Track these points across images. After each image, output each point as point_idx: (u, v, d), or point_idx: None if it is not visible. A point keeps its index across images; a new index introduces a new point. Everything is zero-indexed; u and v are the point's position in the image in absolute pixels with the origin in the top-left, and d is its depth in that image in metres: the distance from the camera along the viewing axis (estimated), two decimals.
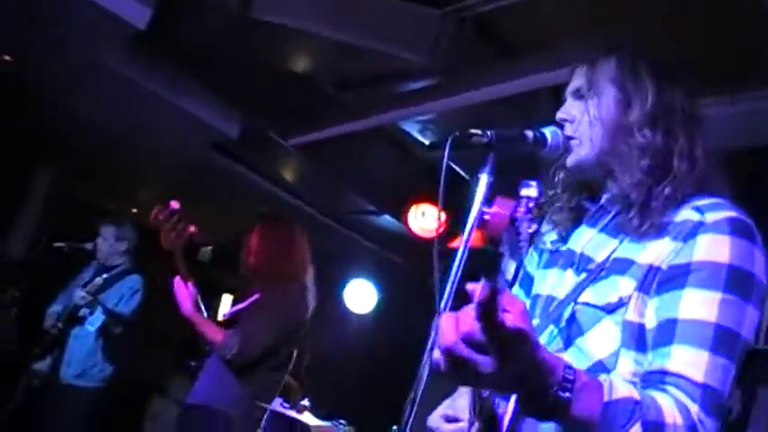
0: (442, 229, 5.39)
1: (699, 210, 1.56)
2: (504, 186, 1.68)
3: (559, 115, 1.80)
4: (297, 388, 6.77)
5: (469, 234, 1.68)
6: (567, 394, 1.26)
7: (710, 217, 1.54)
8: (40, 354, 5.23)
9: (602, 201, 1.76)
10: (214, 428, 4.00)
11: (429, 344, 1.65)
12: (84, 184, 9.29)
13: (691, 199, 1.60)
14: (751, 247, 1.52)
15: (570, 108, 1.80)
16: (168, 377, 8.29)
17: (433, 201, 5.71)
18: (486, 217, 1.27)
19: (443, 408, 1.84)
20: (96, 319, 5.15)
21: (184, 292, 4.03)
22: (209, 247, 10.39)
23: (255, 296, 4.22)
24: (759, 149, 3.51)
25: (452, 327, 1.23)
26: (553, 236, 1.87)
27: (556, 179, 1.85)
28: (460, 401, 1.82)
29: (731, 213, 1.54)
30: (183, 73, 5.05)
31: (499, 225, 1.21)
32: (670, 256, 1.53)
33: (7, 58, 5.52)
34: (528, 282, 1.93)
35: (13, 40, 5.15)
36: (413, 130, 4.84)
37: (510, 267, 1.47)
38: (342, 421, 4.70)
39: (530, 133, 1.75)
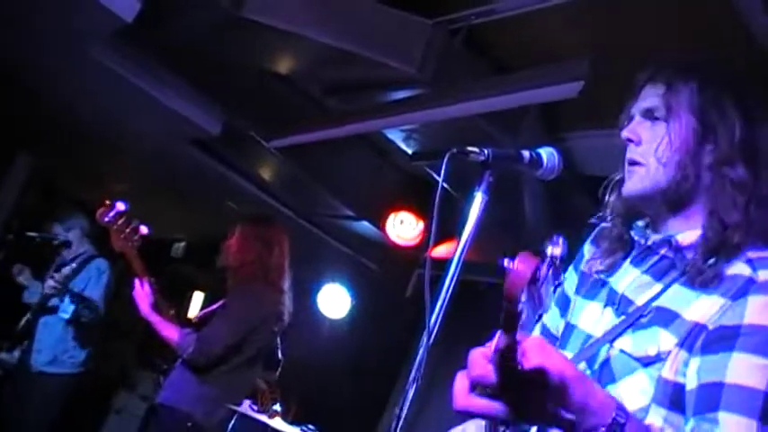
0: (420, 239, 5.41)
1: (751, 264, 1.49)
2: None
3: (626, 134, 1.69)
4: (267, 392, 6.74)
5: (463, 251, 1.68)
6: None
7: (763, 275, 1.46)
8: (10, 346, 5.18)
9: (651, 241, 1.68)
10: (177, 428, 4.00)
11: (416, 362, 1.64)
12: (61, 172, 9.20)
13: (745, 249, 1.52)
14: None
15: (640, 129, 1.68)
16: (135, 373, 8.23)
17: (413, 209, 5.71)
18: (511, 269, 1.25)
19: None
20: (68, 307, 5.11)
21: (141, 292, 4.06)
22: (182, 243, 10.35)
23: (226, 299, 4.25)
24: None
25: (463, 388, 1.25)
26: (597, 265, 1.79)
27: (607, 203, 1.78)
28: (470, 427, 1.81)
29: None
30: (167, 68, 5.00)
31: (519, 283, 1.18)
32: (717, 314, 1.46)
33: None
34: (564, 303, 1.87)
35: None
36: (396, 138, 4.83)
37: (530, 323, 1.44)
38: (311, 427, 4.67)
39: (526, 153, 1.74)
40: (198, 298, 9.73)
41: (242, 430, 5.88)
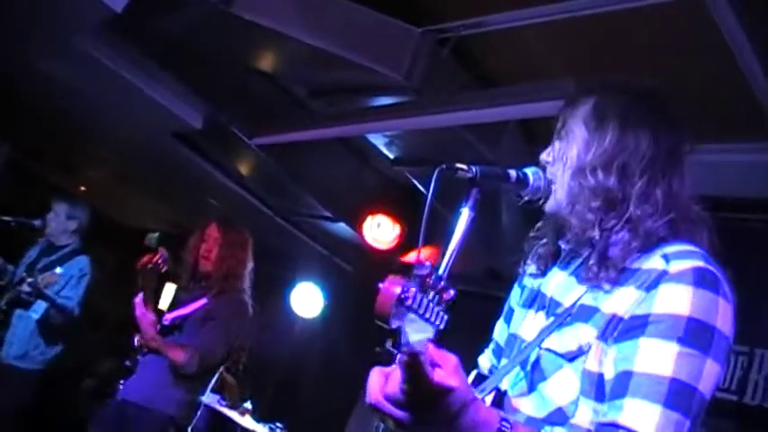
0: (396, 243, 5.42)
1: (665, 258, 1.54)
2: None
3: (541, 157, 1.80)
4: (234, 386, 6.74)
5: (448, 264, 1.70)
6: None
7: (675, 266, 1.51)
8: None
9: (572, 244, 1.75)
10: (156, 429, 4.07)
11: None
12: (36, 157, 9.12)
13: (662, 245, 1.58)
14: (714, 298, 1.48)
15: (550, 150, 1.79)
16: (104, 362, 8.20)
17: (390, 213, 5.74)
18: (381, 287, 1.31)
19: None
20: (40, 307, 5.09)
21: (147, 318, 4.09)
22: (156, 233, 10.28)
23: (203, 301, 4.27)
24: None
25: (378, 384, 1.32)
26: (532, 269, 1.86)
27: (541, 220, 1.85)
28: None
29: (697, 263, 1.51)
30: (153, 60, 5.00)
31: (386, 303, 1.25)
32: (632, 305, 1.51)
33: None
34: (510, 315, 1.93)
35: None
36: (378, 142, 4.86)
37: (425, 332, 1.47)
38: (279, 425, 4.68)
39: (513, 173, 1.77)
40: (170, 289, 9.67)
41: (211, 425, 5.91)
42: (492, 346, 2.00)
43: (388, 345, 1.25)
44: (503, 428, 1.30)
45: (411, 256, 6.04)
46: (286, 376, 7.07)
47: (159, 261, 4.22)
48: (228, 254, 4.40)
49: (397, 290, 1.25)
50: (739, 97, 3.12)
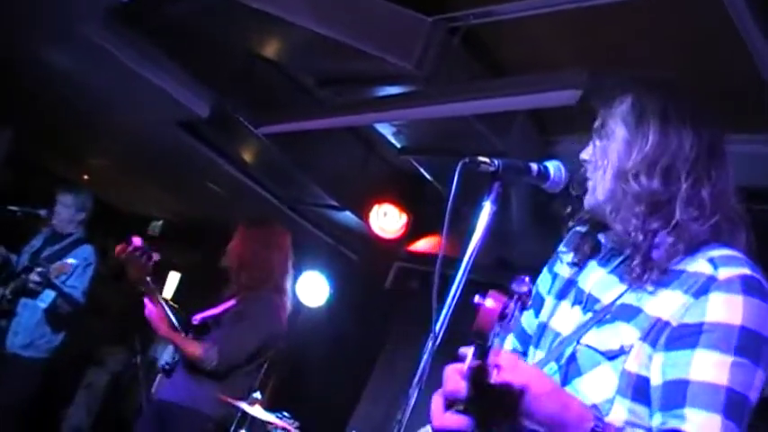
0: (402, 232, 5.43)
1: (712, 262, 1.54)
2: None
3: (581, 156, 1.79)
4: None
5: (470, 260, 1.69)
6: None
7: (723, 273, 1.52)
8: None
9: (613, 243, 1.75)
10: (197, 428, 4.13)
11: (420, 368, 1.66)
12: (39, 146, 9.11)
13: (705, 247, 1.58)
14: (763, 306, 1.49)
15: (589, 148, 1.78)
16: (106, 349, 8.23)
17: (397, 202, 5.73)
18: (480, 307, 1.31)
19: None
20: (47, 296, 5.09)
21: (158, 315, 4.14)
22: (160, 222, 10.31)
23: (231, 302, 4.31)
24: None
25: (441, 408, 1.32)
26: (567, 266, 1.86)
27: (579, 210, 1.84)
28: None
29: (745, 270, 1.52)
30: (159, 48, 4.97)
31: (489, 320, 1.25)
32: (680, 311, 1.52)
33: None
34: (539, 303, 1.92)
35: None
36: (386, 131, 4.84)
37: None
38: (286, 414, 4.68)
39: (534, 166, 1.77)
40: (174, 278, 9.70)
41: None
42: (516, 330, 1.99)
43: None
44: (596, 428, 1.30)
45: (418, 246, 6.04)
46: (291, 365, 7.08)
47: (137, 252, 4.19)
48: (249, 253, 4.41)
49: (499, 307, 1.25)
50: (751, 85, 3.10)
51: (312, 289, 6.70)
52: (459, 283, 1.69)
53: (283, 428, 4.51)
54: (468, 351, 1.28)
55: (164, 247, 9.81)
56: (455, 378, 1.25)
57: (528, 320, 1.95)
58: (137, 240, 4.20)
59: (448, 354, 1.65)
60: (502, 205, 1.73)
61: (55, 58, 5.59)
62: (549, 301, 1.87)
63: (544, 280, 1.97)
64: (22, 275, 5.20)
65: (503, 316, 1.27)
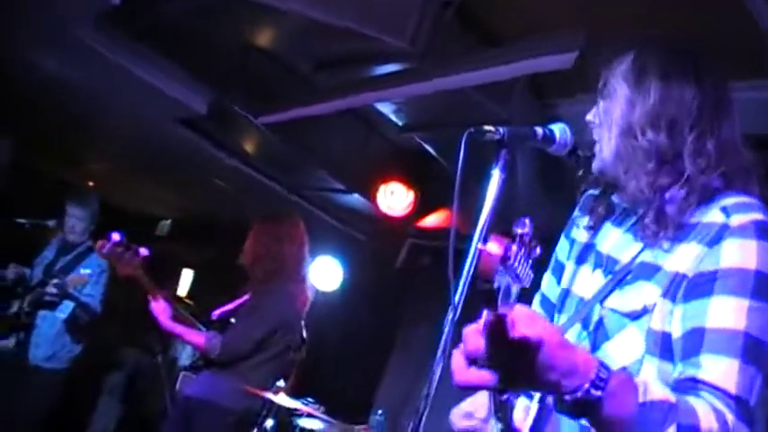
0: (411, 208, 5.44)
1: (725, 211, 1.55)
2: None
3: (587, 118, 1.80)
4: None
5: (483, 232, 1.70)
6: (599, 393, 1.27)
7: (736, 220, 1.52)
8: (6, 333, 5.15)
9: (626, 203, 1.76)
10: (221, 424, 4.18)
11: (443, 341, 1.67)
12: (40, 154, 9.11)
13: (719, 197, 1.59)
14: None
15: (595, 110, 1.78)
16: (121, 352, 8.27)
17: (403, 180, 5.73)
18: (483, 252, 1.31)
19: (465, 404, 1.85)
20: (67, 307, 5.12)
21: (158, 308, 4.22)
22: (168, 221, 10.35)
23: (246, 296, 4.44)
24: None
25: (463, 364, 1.31)
26: (584, 230, 1.87)
27: (588, 175, 1.85)
28: (480, 397, 1.83)
29: (758, 216, 1.53)
30: (153, 48, 4.97)
31: (492, 263, 1.26)
32: (695, 262, 1.52)
33: None
34: (559, 270, 1.94)
35: None
36: (386, 110, 4.83)
37: (514, 290, 1.48)
38: (310, 399, 4.71)
39: (539, 130, 1.77)
40: (187, 275, 9.75)
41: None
42: (538, 298, 2.01)
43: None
44: (600, 374, 1.28)
45: (427, 221, 6.05)
46: (310, 351, 7.11)
47: (119, 248, 4.24)
48: (262, 248, 4.49)
49: (501, 250, 1.26)
50: (746, 35, 3.08)
51: (325, 274, 6.72)
52: (474, 254, 1.70)
53: (309, 414, 4.54)
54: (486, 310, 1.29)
55: (174, 246, 9.91)
56: (474, 337, 1.26)
57: (550, 288, 1.97)
58: (115, 236, 4.26)
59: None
60: (509, 175, 1.73)
61: (49, 64, 5.58)
62: (570, 267, 1.88)
63: (562, 247, 1.98)
64: (38, 288, 5.22)
65: (505, 258, 1.28)
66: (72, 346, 5.30)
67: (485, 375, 1.25)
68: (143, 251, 4.34)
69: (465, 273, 1.69)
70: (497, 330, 1.19)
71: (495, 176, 1.72)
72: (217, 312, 4.50)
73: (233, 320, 4.37)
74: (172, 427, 4.42)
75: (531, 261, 1.40)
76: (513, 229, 1.39)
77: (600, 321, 1.65)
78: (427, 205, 5.93)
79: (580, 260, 1.84)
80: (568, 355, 1.27)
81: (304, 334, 4.75)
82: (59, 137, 7.93)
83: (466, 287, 1.68)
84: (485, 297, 1.32)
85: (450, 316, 1.68)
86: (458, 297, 1.68)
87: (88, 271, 5.21)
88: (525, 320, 1.20)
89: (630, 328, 1.59)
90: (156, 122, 6.01)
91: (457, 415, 1.83)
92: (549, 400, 1.61)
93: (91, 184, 9.48)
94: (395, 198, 5.74)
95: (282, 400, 4.32)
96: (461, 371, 1.28)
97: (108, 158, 8.54)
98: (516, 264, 1.32)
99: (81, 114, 6.69)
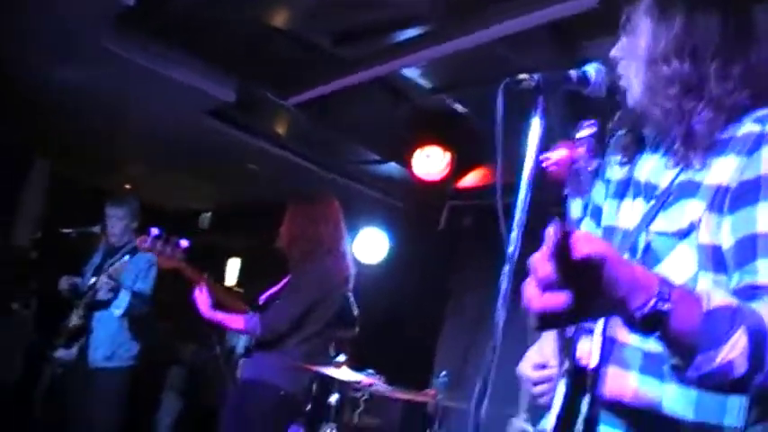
0: (448, 170, 5.42)
1: (760, 120, 1.55)
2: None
3: (611, 54, 1.79)
4: None
5: (529, 180, 1.70)
6: (667, 306, 1.26)
7: None
8: (66, 343, 5.24)
9: (656, 131, 1.76)
10: (271, 401, 4.28)
11: (502, 293, 1.68)
12: (79, 168, 9.25)
13: (752, 111, 1.58)
14: None
15: (619, 46, 1.78)
16: (179, 347, 8.39)
17: (437, 142, 5.72)
18: (548, 162, 1.29)
19: (532, 354, 1.86)
20: (121, 302, 5.17)
21: (201, 297, 4.32)
22: (208, 213, 10.44)
23: (286, 279, 4.53)
24: None
25: (534, 290, 1.27)
26: (619, 167, 1.86)
27: (617, 112, 1.84)
28: (547, 347, 1.84)
29: None
30: (174, 45, 5.00)
31: (562, 168, 1.24)
32: (736, 173, 1.52)
33: None
34: (597, 213, 1.94)
35: None
36: (413, 75, 4.82)
37: (575, 206, 1.48)
38: (371, 371, 4.75)
39: (573, 73, 1.76)
40: (234, 264, 9.84)
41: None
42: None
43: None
44: (663, 289, 1.27)
45: (465, 181, 6.04)
46: (364, 322, 7.16)
47: (159, 241, 4.29)
48: (297, 229, 4.55)
49: (570, 154, 1.24)
50: None
51: (371, 246, 6.75)
52: (524, 202, 1.70)
53: (370, 385, 4.58)
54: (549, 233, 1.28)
55: (217, 237, 10.01)
56: (542, 262, 1.25)
57: (591, 231, 1.95)
58: (154, 230, 4.32)
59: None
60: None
61: (74, 76, 5.65)
62: (608, 205, 1.87)
63: (598, 190, 1.96)
64: (89, 292, 5.29)
65: (573, 162, 1.27)
66: (130, 344, 5.35)
67: (560, 298, 1.24)
68: (183, 242, 4.41)
69: (516, 224, 1.69)
70: (563, 249, 1.18)
71: (536, 124, 1.71)
72: (263, 296, 4.60)
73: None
74: (229, 413, 4.51)
75: (590, 172, 1.38)
76: (577, 131, 1.39)
77: (647, 247, 1.64)
78: (464, 165, 5.91)
79: (619, 195, 1.83)
80: (631, 271, 1.26)
81: (354, 311, 4.81)
82: (92, 147, 8.03)
83: (519, 238, 1.68)
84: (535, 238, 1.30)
85: (506, 268, 1.68)
86: (512, 248, 1.68)
87: (126, 257, 5.27)
88: (585, 240, 1.20)
89: (680, 247, 1.58)
90: (185, 117, 6.05)
91: (527, 366, 1.84)
92: (612, 332, 1.62)
93: (128, 186, 9.60)
94: (431, 162, 5.73)
95: (345, 374, 4.37)
96: (536, 298, 1.25)
97: (142, 160, 8.62)
98: (582, 169, 1.30)
99: (110, 121, 6.77)
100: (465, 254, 6.57)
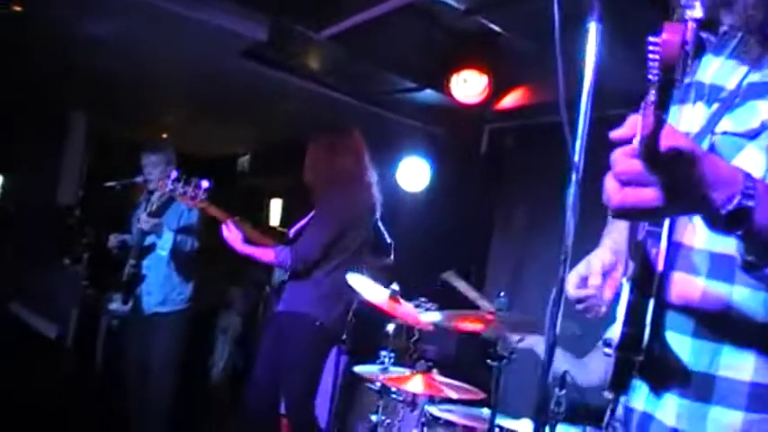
0: (486, 93, 5.35)
1: None
2: None
3: None
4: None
5: (591, 89, 1.66)
6: (751, 202, 1.23)
7: None
8: (120, 294, 5.31)
9: (724, 28, 1.67)
10: (307, 330, 4.46)
11: (570, 202, 1.66)
12: (114, 122, 9.29)
13: None
14: None
15: None
16: (229, 292, 8.49)
17: (474, 65, 5.64)
18: (655, 47, 1.21)
19: (579, 268, 1.84)
20: (166, 242, 5.21)
21: (231, 235, 4.51)
22: (246, 156, 10.47)
23: (313, 211, 4.63)
24: None
25: (614, 180, 1.25)
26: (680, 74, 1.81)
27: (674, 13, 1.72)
28: (595, 261, 1.82)
29: None
30: None
31: (673, 51, 1.16)
32: None
33: (18, 8, 5.43)
34: None
35: None
36: None
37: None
38: (423, 299, 4.78)
39: None
40: (276, 205, 9.89)
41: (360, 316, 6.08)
42: None
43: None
44: (747, 184, 1.24)
45: (505, 102, 5.98)
46: (412, 251, 7.18)
47: (178, 183, 4.51)
48: (319, 163, 4.67)
49: (679, 36, 1.17)
50: None
51: (412, 175, 6.74)
52: (587, 112, 1.67)
53: (427, 310, 4.61)
54: (634, 121, 1.23)
55: (258, 179, 10.05)
56: (624, 158, 1.22)
57: None
58: (173, 173, 4.60)
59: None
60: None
61: (100, 29, 5.64)
62: (669, 114, 1.83)
63: None
64: (136, 240, 5.31)
65: (684, 43, 1.19)
66: (181, 288, 5.38)
67: (645, 193, 1.21)
68: (204, 183, 4.51)
69: (580, 133, 1.67)
70: (653, 140, 1.15)
71: (593, 29, 1.67)
72: (292, 230, 4.71)
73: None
74: (265, 344, 4.67)
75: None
76: (682, 10, 1.33)
77: (711, 148, 1.58)
78: (502, 86, 5.84)
79: (679, 100, 1.75)
80: (716, 166, 1.24)
81: (387, 239, 4.85)
82: (126, 99, 8.05)
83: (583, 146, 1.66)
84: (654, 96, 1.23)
85: (573, 176, 1.65)
86: (577, 156, 1.65)
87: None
88: (672, 133, 1.17)
89: (748, 148, 1.53)
90: (218, 60, 6.04)
91: (572, 282, 1.82)
92: (677, 236, 1.59)
93: (165, 136, 9.63)
94: (468, 85, 5.66)
95: (401, 305, 4.39)
96: (616, 192, 1.23)
97: (177, 108, 8.64)
98: (689, 52, 1.24)
99: (142, 70, 6.77)
100: (508, 175, 6.55)
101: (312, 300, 4.48)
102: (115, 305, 5.43)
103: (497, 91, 5.80)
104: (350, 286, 4.41)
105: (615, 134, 1.26)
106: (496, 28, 4.79)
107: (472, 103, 5.76)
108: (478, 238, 6.68)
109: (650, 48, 1.15)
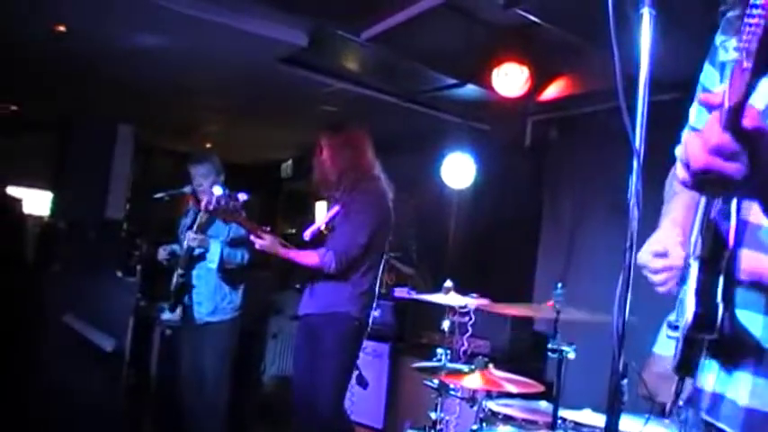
0: (529, 85, 5.33)
1: None
2: None
3: None
4: (413, 275, 6.91)
5: (648, 76, 1.65)
6: None
7: None
8: (172, 306, 5.37)
9: None
10: (347, 329, 4.52)
11: (633, 190, 1.65)
12: (159, 134, 9.39)
13: None
14: None
15: None
16: (279, 297, 8.53)
17: (514, 58, 5.62)
18: (756, 10, 1.18)
19: (651, 243, 1.83)
20: (214, 254, 5.24)
21: (269, 244, 4.56)
22: (289, 162, 10.53)
23: (336, 209, 4.65)
24: None
25: (700, 145, 1.24)
26: (732, 49, 1.75)
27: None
28: (667, 236, 1.82)
29: None
30: None
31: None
32: None
33: (62, 28, 5.52)
34: None
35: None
36: None
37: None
38: (474, 294, 4.78)
39: None
40: (321, 207, 9.91)
41: (413, 314, 6.10)
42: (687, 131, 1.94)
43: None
44: None
45: (547, 94, 5.94)
46: (463, 246, 7.18)
47: (220, 201, 4.59)
48: (342, 159, 4.67)
49: None
50: None
51: (457, 171, 6.74)
52: (644, 97, 1.66)
53: (480, 306, 4.61)
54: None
55: (302, 183, 10.07)
56: (715, 129, 1.20)
57: (700, 120, 1.89)
58: (216, 190, 4.68)
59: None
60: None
61: (146, 41, 5.71)
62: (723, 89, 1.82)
63: (708, 75, 1.88)
64: (186, 252, 5.36)
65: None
66: (232, 296, 5.41)
67: (731, 165, 1.21)
68: (242, 195, 4.62)
69: (639, 119, 1.65)
70: (737, 116, 1.14)
71: (646, 15, 1.66)
72: (308, 233, 4.74)
73: (331, 233, 4.62)
74: (299, 349, 4.79)
75: None
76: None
77: None
78: (543, 78, 5.82)
79: None
80: None
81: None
82: (169, 110, 8.14)
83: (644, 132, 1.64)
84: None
85: (635, 164, 1.64)
86: (638, 142, 1.64)
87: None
88: (752, 111, 1.17)
89: None
90: (260, 68, 6.08)
91: (647, 255, 1.81)
92: (745, 214, 1.57)
93: (208, 146, 9.72)
94: (509, 79, 5.64)
95: (455, 299, 4.41)
96: (702, 156, 1.22)
97: (219, 116, 8.70)
98: None
99: (185, 81, 6.84)
100: (553, 166, 6.52)
101: (351, 298, 4.53)
102: (167, 315, 5.52)
103: (539, 83, 5.77)
104: (381, 283, 4.51)
105: (704, 97, 1.26)
106: (535, 19, 4.75)
107: (514, 97, 5.74)
108: (528, 232, 6.65)
109: (752, 11, 1.14)
